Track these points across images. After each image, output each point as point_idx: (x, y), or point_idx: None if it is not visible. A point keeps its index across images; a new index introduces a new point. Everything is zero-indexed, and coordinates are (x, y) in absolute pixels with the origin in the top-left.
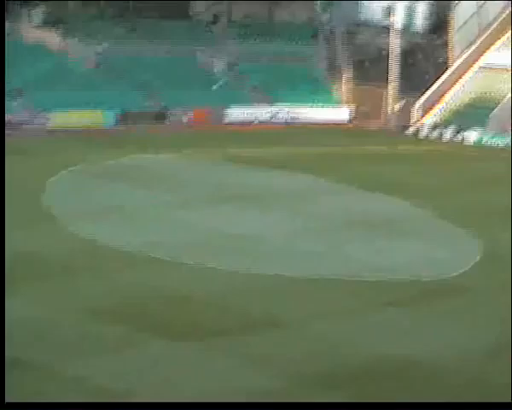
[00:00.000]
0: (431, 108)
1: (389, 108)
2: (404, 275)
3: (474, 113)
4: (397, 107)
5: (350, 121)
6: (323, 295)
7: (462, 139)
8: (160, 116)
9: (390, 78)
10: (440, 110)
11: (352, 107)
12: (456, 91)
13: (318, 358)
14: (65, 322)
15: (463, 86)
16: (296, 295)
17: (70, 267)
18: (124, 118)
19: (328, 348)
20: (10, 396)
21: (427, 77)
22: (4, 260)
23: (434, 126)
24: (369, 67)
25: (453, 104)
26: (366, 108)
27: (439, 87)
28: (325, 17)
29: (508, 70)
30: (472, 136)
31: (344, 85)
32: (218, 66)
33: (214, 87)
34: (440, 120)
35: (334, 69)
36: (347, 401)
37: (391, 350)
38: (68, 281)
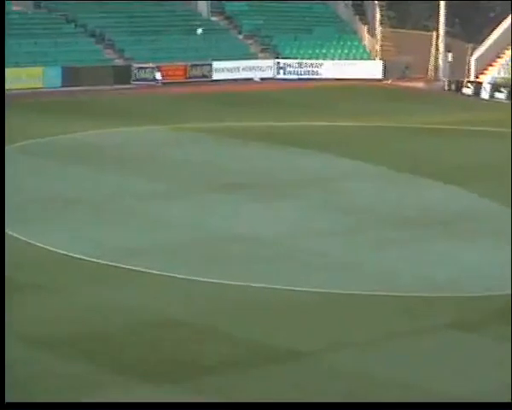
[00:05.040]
0: (496, 59)
1: (439, 60)
2: (468, 289)
3: None
4: (450, 57)
5: (386, 78)
6: (355, 317)
7: None
8: (123, 74)
9: (440, 17)
10: (509, 61)
11: (389, 58)
12: None
13: (352, 396)
14: (8, 357)
15: None
16: (318, 316)
17: (15, 284)
18: (73, 76)
19: (372, 387)
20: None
21: (491, 15)
22: (4, 258)
23: (501, 84)
24: (412, 3)
25: None
26: (408, 60)
27: (507, 29)
28: None
29: None
30: None
31: (377, 29)
32: (203, 4)
33: (199, 32)
34: (509, 74)
35: (362, 7)
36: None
37: (454, 390)
38: (12, 303)
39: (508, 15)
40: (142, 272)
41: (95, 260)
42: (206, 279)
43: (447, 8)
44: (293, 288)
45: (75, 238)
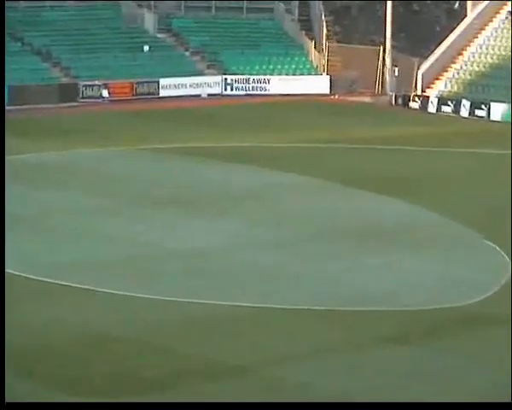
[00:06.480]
0: (443, 72)
1: (386, 74)
2: (406, 304)
3: (502, 77)
4: (396, 71)
5: (332, 93)
6: (295, 331)
7: (488, 114)
8: (70, 92)
9: (387, 32)
10: (455, 74)
11: (335, 73)
12: (477, 49)
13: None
14: None
15: (486, 41)
16: (258, 331)
17: None
18: (20, 95)
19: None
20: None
21: (437, 29)
22: (4, 259)
23: (448, 97)
24: (358, 18)
25: (473, 66)
26: (354, 75)
27: (453, 43)
28: None
29: None
30: (500, 109)
31: (323, 44)
32: (150, 21)
33: (146, 49)
34: (456, 87)
35: (308, 22)
36: (344, 402)
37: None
38: None
39: (453, 29)
40: (77, 287)
41: (29, 275)
42: (142, 295)
43: (393, 22)
44: (229, 303)
45: (10, 255)
